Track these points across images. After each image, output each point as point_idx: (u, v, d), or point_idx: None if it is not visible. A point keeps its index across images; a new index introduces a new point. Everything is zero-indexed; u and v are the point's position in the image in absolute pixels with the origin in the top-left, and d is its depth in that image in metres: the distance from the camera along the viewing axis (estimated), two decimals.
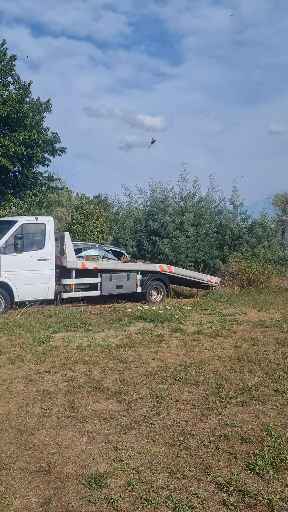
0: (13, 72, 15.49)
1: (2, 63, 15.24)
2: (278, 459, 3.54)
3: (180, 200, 18.50)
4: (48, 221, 10.96)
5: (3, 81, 15.52)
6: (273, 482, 3.25)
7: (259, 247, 17.16)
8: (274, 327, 8.80)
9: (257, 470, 3.39)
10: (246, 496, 3.07)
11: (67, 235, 11.27)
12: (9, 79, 15.54)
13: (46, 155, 16.42)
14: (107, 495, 3.05)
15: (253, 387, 5.23)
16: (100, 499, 3.02)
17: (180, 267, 14.81)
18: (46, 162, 16.60)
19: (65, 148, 16.69)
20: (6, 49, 15.48)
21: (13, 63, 15.50)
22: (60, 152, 16.64)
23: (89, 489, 3.13)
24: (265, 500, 3.03)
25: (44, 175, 17.00)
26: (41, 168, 16.91)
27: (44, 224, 10.83)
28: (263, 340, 7.67)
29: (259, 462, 3.48)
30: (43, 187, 17.43)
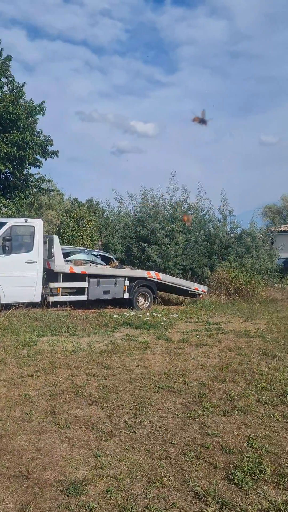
0: (8, 72, 15.49)
1: None
2: (257, 470, 3.56)
3: (170, 208, 18.55)
4: (37, 224, 10.93)
5: None
6: (251, 493, 3.26)
7: (247, 257, 17.25)
8: (259, 337, 8.85)
9: (236, 481, 3.40)
10: (224, 507, 3.08)
11: (56, 238, 11.24)
12: (3, 79, 15.53)
13: (38, 157, 16.40)
14: (85, 503, 3.04)
15: (236, 397, 5.25)
16: (77, 506, 3.01)
17: (168, 274, 14.84)
18: (38, 164, 16.58)
19: (58, 151, 16.70)
20: (2, 49, 15.48)
21: (9, 63, 15.50)
22: (52, 155, 16.64)
23: (67, 496, 3.11)
24: (243, 511, 3.04)
25: (35, 177, 16.96)
26: (32, 170, 16.86)
27: (33, 226, 10.81)
28: (248, 350, 7.71)
29: (238, 473, 3.49)
30: (34, 189, 17.39)
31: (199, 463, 3.68)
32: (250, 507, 3.08)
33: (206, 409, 4.84)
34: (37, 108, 15.86)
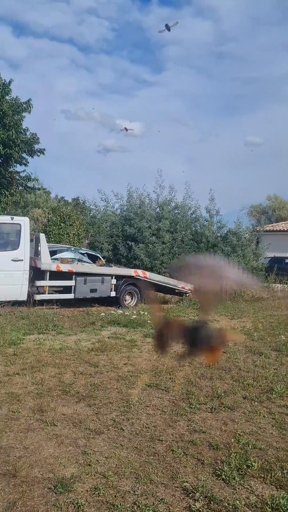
0: None
1: None
2: (244, 465, 3.59)
3: (156, 206, 18.56)
4: (24, 222, 10.85)
5: None
6: (238, 489, 3.29)
7: (233, 256, 17.34)
8: (245, 335, 8.91)
9: (223, 477, 3.42)
10: (212, 502, 3.10)
11: (42, 236, 11.17)
12: None
13: (24, 155, 16.28)
14: (73, 500, 3.04)
15: (223, 394, 5.29)
16: (66, 503, 3.00)
17: (155, 273, 14.84)
18: (24, 162, 16.45)
19: (44, 149, 16.59)
20: None
21: None
22: (39, 153, 16.52)
23: (55, 493, 3.11)
24: (230, 506, 3.06)
25: (21, 175, 16.83)
26: (18, 168, 16.73)
27: (20, 224, 10.72)
28: (234, 348, 7.76)
29: (226, 468, 3.52)
30: (20, 187, 17.26)
31: (187, 459, 3.70)
32: (238, 502, 3.10)
33: (193, 406, 4.87)
34: (24, 105, 15.73)
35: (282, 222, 33.81)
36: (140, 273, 12.85)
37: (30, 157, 16.45)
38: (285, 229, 29.65)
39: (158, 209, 18.35)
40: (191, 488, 3.25)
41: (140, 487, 3.24)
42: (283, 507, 3.05)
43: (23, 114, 15.80)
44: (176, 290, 14.11)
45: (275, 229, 29.74)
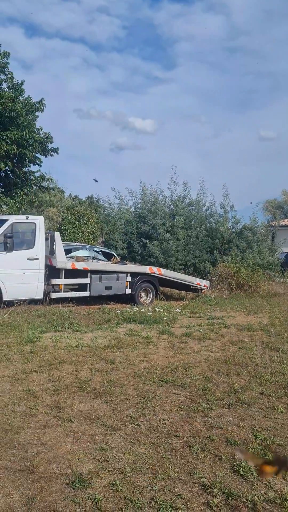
0: (7, 69, 15.44)
1: None
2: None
3: (170, 203, 18.51)
4: (39, 221, 10.92)
5: None
6: (256, 484, 3.27)
7: (248, 251, 17.23)
8: (262, 331, 8.85)
9: (241, 472, 3.40)
10: (230, 498, 3.08)
11: (57, 235, 11.23)
12: (2, 76, 15.48)
13: (38, 155, 16.37)
14: (91, 495, 3.05)
15: (240, 390, 5.26)
16: (84, 499, 3.01)
17: (170, 269, 14.82)
18: (38, 162, 16.54)
19: (58, 148, 16.66)
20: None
21: (7, 60, 15.43)
22: (53, 153, 16.60)
23: (73, 489, 3.12)
24: (249, 502, 3.05)
25: (35, 174, 16.93)
26: (32, 168, 16.84)
27: (35, 223, 10.80)
28: (251, 343, 7.71)
29: (244, 464, 3.50)
30: (35, 187, 17.36)
31: (204, 455, 3.69)
32: (256, 497, 3.08)
33: (210, 402, 4.85)
34: (37, 105, 15.81)
35: None
36: (155, 270, 12.84)
37: (44, 156, 16.55)
38: None
39: (172, 206, 18.30)
40: (208, 484, 3.24)
41: (157, 483, 3.23)
42: None
43: (36, 113, 15.88)
44: (192, 287, 14.08)
45: None
